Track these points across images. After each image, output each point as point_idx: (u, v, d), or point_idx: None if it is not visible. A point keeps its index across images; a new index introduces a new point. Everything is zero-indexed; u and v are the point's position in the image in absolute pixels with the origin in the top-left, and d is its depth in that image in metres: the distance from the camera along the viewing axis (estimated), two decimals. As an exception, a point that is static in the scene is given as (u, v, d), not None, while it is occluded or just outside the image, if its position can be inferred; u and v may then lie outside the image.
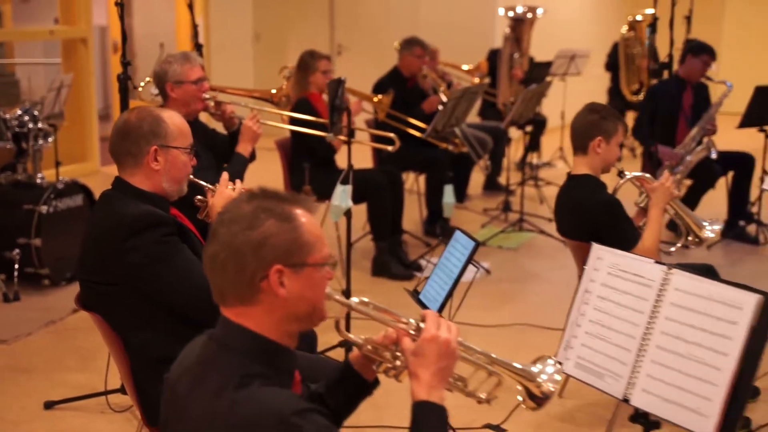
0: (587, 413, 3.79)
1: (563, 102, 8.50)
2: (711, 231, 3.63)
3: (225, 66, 10.04)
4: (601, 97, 9.76)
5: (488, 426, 3.67)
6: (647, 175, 3.68)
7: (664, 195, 3.58)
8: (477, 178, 7.90)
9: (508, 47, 8.19)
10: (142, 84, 4.42)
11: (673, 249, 3.74)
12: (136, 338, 2.58)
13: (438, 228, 6.25)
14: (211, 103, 4.06)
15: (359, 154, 5.51)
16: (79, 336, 4.49)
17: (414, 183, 6.95)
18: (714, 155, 6.09)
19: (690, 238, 3.70)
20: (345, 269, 4.24)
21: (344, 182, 4.08)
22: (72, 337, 4.52)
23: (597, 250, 2.32)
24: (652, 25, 5.97)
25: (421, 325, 1.74)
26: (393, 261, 5.50)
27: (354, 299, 1.79)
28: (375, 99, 5.59)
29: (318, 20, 10.69)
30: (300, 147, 5.30)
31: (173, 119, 2.77)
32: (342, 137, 4.10)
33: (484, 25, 9.95)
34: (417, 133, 5.74)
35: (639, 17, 9.27)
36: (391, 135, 4.86)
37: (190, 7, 4.58)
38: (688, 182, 6.35)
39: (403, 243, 5.79)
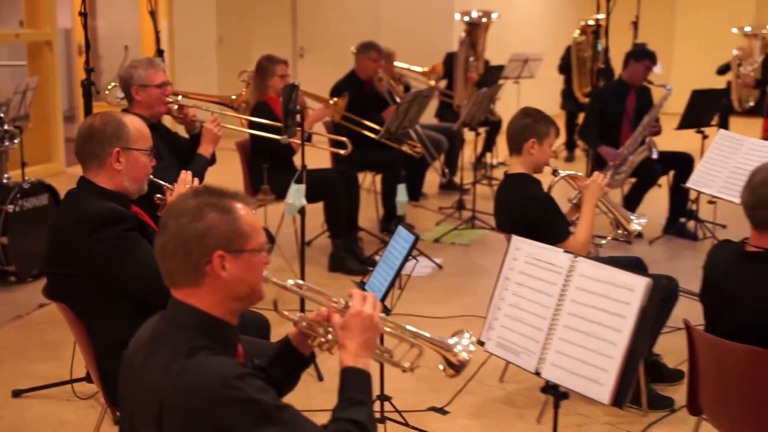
0: (525, 396, 4.06)
1: (517, 104, 8.78)
2: (638, 224, 3.92)
3: (189, 68, 10.22)
4: (555, 99, 10.09)
5: (432, 408, 3.93)
6: (579, 174, 3.95)
7: (596, 192, 3.85)
8: (434, 178, 8.18)
9: (463, 51, 8.47)
10: (110, 87, 4.61)
11: (603, 242, 4.02)
12: (99, 325, 2.80)
13: (393, 225, 6.49)
14: (174, 107, 4.25)
15: (318, 155, 5.76)
16: (45, 329, 4.68)
17: (371, 183, 7.21)
18: (655, 155, 6.41)
19: (620, 231, 3.99)
20: (300, 263, 4.47)
21: (298, 181, 4.32)
22: (38, 330, 4.71)
23: (515, 241, 2.59)
24: (596, 31, 6.29)
25: (350, 303, 1.99)
26: (349, 257, 5.74)
27: (290, 281, 2.04)
28: (330, 102, 5.81)
29: (280, 23, 10.91)
30: (258, 148, 5.52)
31: (134, 123, 3.00)
32: (295, 140, 4.33)
33: (441, 29, 10.24)
34: (372, 135, 5.98)
35: (591, 22, 9.59)
36: (344, 139, 5.11)
37: (152, 14, 4.79)
38: (632, 180, 6.68)
39: (359, 240, 6.03)
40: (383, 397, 3.58)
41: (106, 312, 2.78)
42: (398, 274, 3.30)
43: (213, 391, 1.64)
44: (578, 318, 2.32)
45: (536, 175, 3.92)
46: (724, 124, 10.14)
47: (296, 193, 4.26)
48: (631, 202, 6.64)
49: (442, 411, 3.92)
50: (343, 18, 10.66)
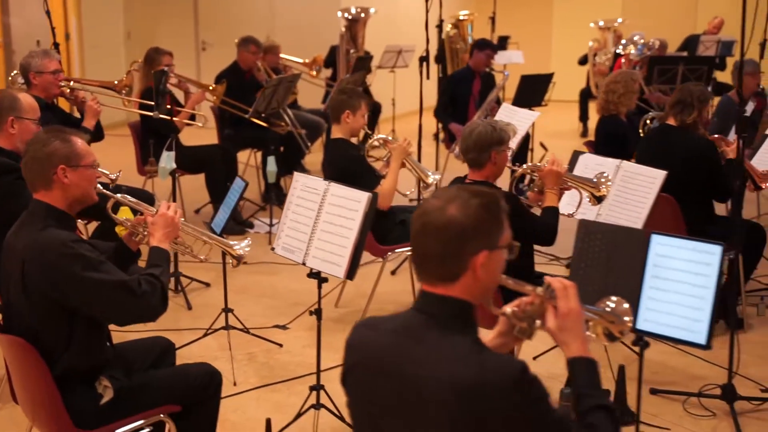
0: (352, 316, 5.11)
1: (393, 90, 9.89)
2: (434, 178, 5.01)
3: (98, 62, 11.05)
4: (433, 86, 11.17)
5: (276, 326, 4.95)
6: (389, 137, 5.02)
7: (401, 153, 4.91)
8: (317, 157, 9.21)
9: (344, 44, 9.52)
10: (12, 74, 5.52)
11: (408, 193, 5.10)
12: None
13: (272, 194, 7.49)
14: (66, 90, 5.20)
15: (207, 135, 6.75)
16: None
17: (255, 160, 8.22)
18: (496, 131, 7.54)
19: (422, 185, 5.08)
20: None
21: (169, 149, 5.31)
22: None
23: (296, 176, 3.65)
24: (439, 26, 7.38)
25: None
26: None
27: (118, 195, 3.06)
28: (210, 87, 6.77)
29: (183, 20, 11.83)
30: (146, 127, 6.45)
31: (26, 99, 4.00)
32: (163, 116, 5.33)
33: (328, 25, 11.24)
34: (246, 116, 6.97)
35: (462, 17, 10.75)
36: (197, 113, 6.14)
37: (48, 14, 5.71)
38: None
39: (238, 206, 7.01)
40: (227, 310, 4.60)
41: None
42: (233, 212, 4.34)
43: (56, 249, 2.63)
44: (329, 223, 3.39)
45: (354, 140, 4.97)
46: (584, 107, 11.43)
47: (167, 158, 5.24)
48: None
49: (283, 327, 4.94)
50: (242, 15, 11.62)
